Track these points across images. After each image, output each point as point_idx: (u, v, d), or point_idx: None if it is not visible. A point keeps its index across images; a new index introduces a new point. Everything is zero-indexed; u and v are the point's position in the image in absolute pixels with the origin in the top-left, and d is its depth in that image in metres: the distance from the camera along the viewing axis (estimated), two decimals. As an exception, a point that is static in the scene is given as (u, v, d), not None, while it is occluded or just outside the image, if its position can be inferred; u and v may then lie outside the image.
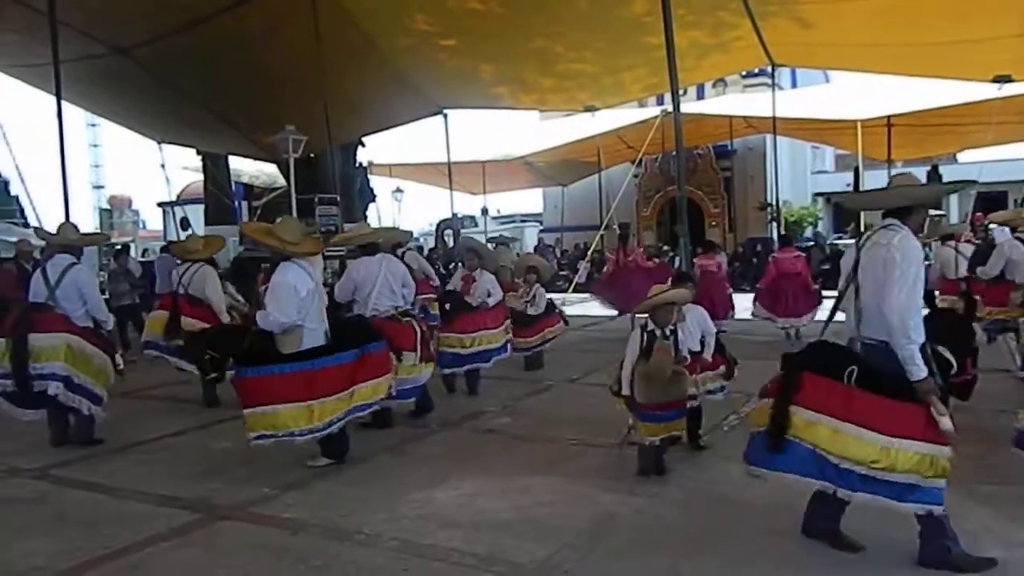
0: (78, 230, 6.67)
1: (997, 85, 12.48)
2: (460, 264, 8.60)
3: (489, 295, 7.68)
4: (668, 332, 4.85)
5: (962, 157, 25.75)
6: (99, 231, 8.33)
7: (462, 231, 21.60)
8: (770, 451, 3.56)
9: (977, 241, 10.88)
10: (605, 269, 13.98)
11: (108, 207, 43.06)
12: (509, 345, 7.91)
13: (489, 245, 13.19)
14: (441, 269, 22.56)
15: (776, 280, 10.76)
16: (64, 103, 9.59)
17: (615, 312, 12.39)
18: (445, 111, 16.22)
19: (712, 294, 10.74)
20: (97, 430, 6.23)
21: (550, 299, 9.29)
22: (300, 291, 5.04)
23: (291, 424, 4.93)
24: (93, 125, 58.50)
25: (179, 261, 8.01)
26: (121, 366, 6.31)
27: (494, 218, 32.66)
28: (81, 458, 5.83)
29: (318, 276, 5.40)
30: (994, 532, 3.75)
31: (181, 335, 7.25)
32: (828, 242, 22.97)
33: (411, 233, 12.52)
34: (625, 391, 4.72)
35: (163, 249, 15.50)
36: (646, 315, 4.91)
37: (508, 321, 7.97)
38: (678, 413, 4.84)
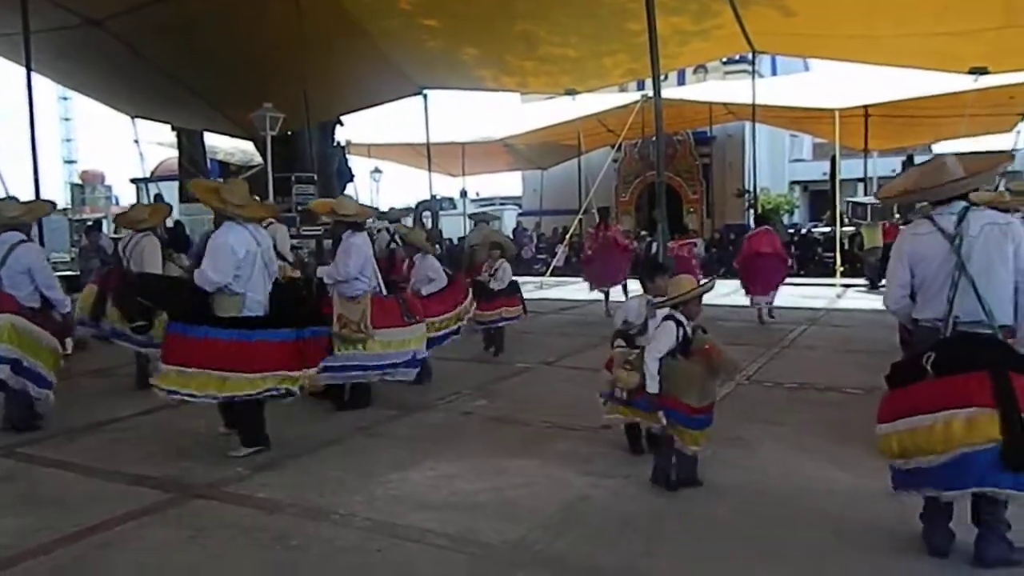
0: (20, 204, 6.23)
1: (973, 77, 12.63)
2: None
3: (430, 281, 7.47)
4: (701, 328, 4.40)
5: (937, 148, 26.06)
6: (45, 200, 7.95)
7: (440, 213, 21.51)
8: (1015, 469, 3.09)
9: None
10: (585, 248, 14.02)
11: (80, 182, 42.16)
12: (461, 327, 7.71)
13: (470, 222, 13.19)
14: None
15: (749, 258, 10.89)
16: (35, 75, 9.40)
17: (594, 292, 12.44)
18: (425, 91, 16.11)
19: None
20: (52, 410, 6.01)
21: (515, 281, 9.19)
22: (238, 252, 4.90)
23: (199, 388, 4.83)
24: (65, 98, 57.27)
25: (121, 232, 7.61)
26: (68, 351, 6.00)
27: (473, 200, 32.54)
28: (50, 436, 5.75)
29: (266, 243, 5.20)
30: (962, 517, 3.83)
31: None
32: (804, 230, 23.20)
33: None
34: (653, 388, 4.16)
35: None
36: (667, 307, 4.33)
37: (467, 302, 7.75)
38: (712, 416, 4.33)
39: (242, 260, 4.92)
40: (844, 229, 17.53)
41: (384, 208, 18.94)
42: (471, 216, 15.83)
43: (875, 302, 13.80)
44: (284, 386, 5.03)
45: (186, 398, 4.91)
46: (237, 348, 4.86)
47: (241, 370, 4.86)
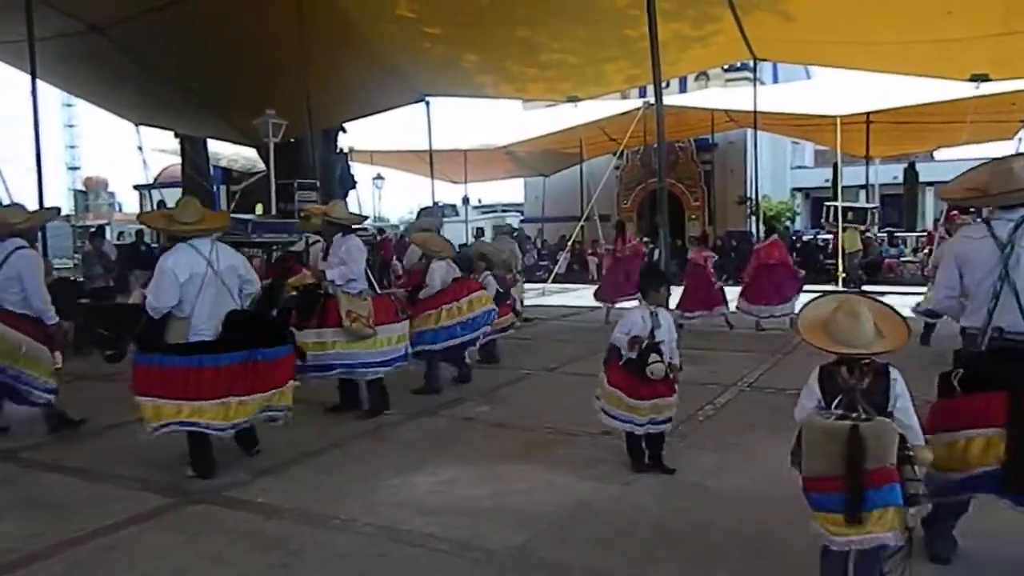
0: (23, 211, 6.09)
1: (974, 84, 12.63)
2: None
3: (426, 286, 7.36)
4: None
5: (939, 155, 26.09)
6: (48, 208, 7.92)
7: (443, 220, 21.52)
8: None
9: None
10: (601, 262, 14.03)
11: (83, 189, 42.42)
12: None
13: (471, 229, 13.17)
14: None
15: (758, 269, 10.85)
16: (39, 82, 9.44)
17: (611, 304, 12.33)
18: (427, 99, 16.15)
19: (698, 287, 10.86)
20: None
21: (501, 291, 8.92)
22: (180, 275, 4.73)
23: (168, 418, 4.67)
24: (69, 105, 57.60)
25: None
26: (59, 364, 5.83)
27: (475, 207, 32.61)
28: (51, 441, 5.77)
29: (226, 263, 4.98)
30: (962, 523, 3.81)
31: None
32: (807, 237, 23.21)
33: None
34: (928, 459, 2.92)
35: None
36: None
37: (460, 302, 7.46)
38: None
39: (185, 283, 4.74)
40: (845, 235, 17.51)
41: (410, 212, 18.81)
42: (494, 226, 15.85)
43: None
44: (241, 418, 4.80)
45: (171, 429, 4.72)
46: (186, 374, 4.67)
47: (199, 397, 4.66)
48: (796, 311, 10.57)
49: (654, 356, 4.52)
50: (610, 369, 4.81)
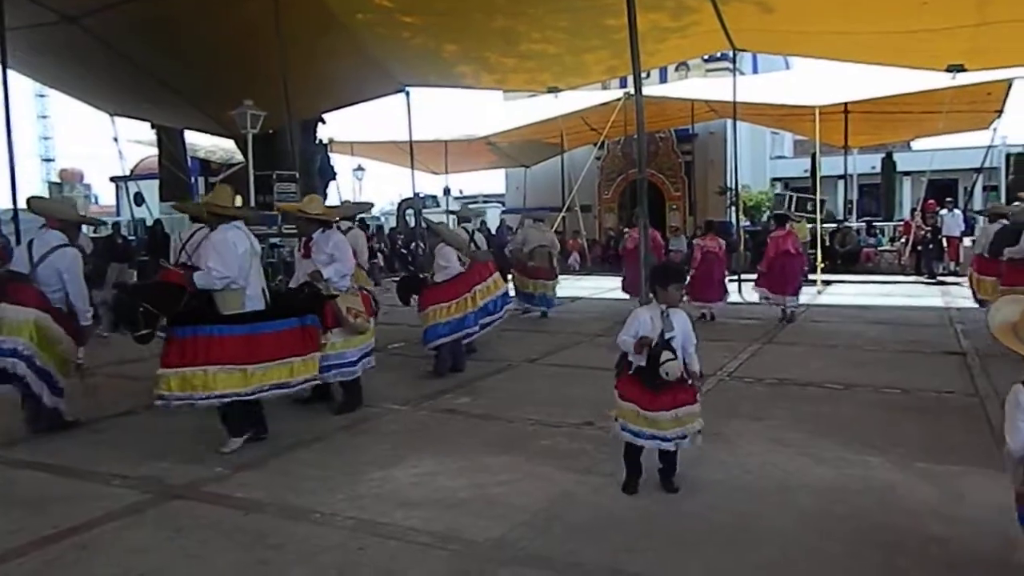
0: (76, 206, 6.34)
1: (950, 74, 12.74)
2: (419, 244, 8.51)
3: (443, 268, 7.76)
4: None
5: (916, 145, 26.35)
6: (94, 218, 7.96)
7: (424, 211, 21.45)
8: None
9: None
10: (623, 246, 14.12)
11: (58, 181, 41.67)
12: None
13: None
14: (402, 248, 22.43)
15: (776, 258, 10.89)
16: (10, 72, 9.27)
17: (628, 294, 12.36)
18: (407, 89, 16.03)
19: (711, 276, 10.91)
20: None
21: None
22: (238, 248, 5.14)
23: (220, 387, 4.98)
24: (42, 96, 56.77)
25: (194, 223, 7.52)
26: (80, 359, 6.04)
27: (456, 198, 32.48)
28: (27, 437, 5.69)
29: (257, 245, 5.48)
30: (938, 511, 3.86)
31: None
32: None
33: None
34: None
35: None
36: None
37: (471, 292, 7.79)
38: None
39: (241, 255, 5.14)
40: (825, 226, 17.65)
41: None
42: (526, 215, 15.79)
43: (852, 298, 13.92)
44: (301, 376, 5.35)
45: (198, 402, 4.99)
46: (247, 341, 5.10)
47: (258, 361, 5.09)
48: (797, 304, 10.84)
49: (667, 354, 3.99)
50: (621, 381, 4.29)
